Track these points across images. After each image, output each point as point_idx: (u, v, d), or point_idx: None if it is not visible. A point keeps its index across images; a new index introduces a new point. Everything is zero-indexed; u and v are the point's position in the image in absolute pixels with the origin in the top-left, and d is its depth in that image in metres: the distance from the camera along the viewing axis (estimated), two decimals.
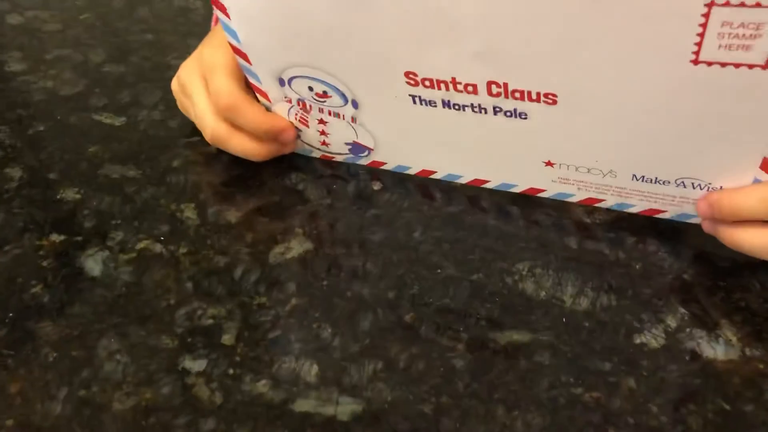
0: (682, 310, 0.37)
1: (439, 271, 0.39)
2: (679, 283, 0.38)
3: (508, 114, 0.38)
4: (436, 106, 0.40)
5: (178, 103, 0.50)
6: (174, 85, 0.48)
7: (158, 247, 0.41)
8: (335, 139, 0.46)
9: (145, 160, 0.48)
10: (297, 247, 0.41)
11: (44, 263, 0.40)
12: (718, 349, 0.35)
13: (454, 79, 0.37)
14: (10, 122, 0.52)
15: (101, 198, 0.45)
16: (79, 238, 0.42)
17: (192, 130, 0.49)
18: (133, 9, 0.67)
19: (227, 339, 0.36)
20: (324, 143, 0.46)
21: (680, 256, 0.40)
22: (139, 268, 0.40)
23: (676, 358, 0.34)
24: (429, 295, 0.38)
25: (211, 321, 0.37)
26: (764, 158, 0.35)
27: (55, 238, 0.42)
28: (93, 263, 0.40)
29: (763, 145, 0.34)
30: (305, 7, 0.37)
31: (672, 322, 0.36)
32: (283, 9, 0.38)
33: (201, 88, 0.45)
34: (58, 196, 0.45)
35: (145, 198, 0.45)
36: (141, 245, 0.41)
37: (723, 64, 0.31)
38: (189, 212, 0.44)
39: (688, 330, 0.36)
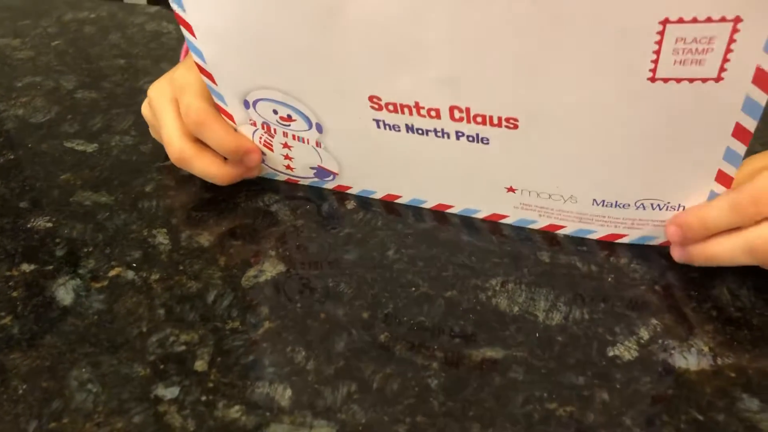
0: (655, 322, 0.37)
1: (413, 289, 0.39)
2: (651, 294, 0.38)
3: (471, 139, 0.38)
4: (399, 131, 0.40)
5: (150, 127, 0.49)
6: (144, 109, 0.48)
7: (130, 274, 0.41)
8: (300, 163, 0.46)
9: (117, 186, 0.48)
10: (270, 269, 0.41)
11: (14, 293, 0.40)
12: (690, 359, 0.35)
13: (417, 103, 0.38)
14: None
15: (73, 226, 0.44)
16: (50, 267, 0.41)
17: (165, 154, 0.49)
18: (105, 35, 0.67)
19: (200, 365, 0.36)
20: (288, 167, 0.46)
21: (652, 267, 0.40)
22: (111, 296, 0.39)
23: (650, 369, 0.34)
24: (403, 314, 0.38)
25: (183, 347, 0.36)
26: (719, 170, 0.36)
27: (26, 267, 0.42)
28: (64, 292, 0.40)
29: (717, 156, 0.35)
30: (270, 30, 0.37)
31: (645, 334, 0.36)
32: (248, 30, 0.38)
33: (170, 108, 0.44)
34: (29, 225, 0.45)
35: (117, 224, 0.44)
36: (113, 273, 0.41)
37: (678, 80, 0.32)
38: (161, 237, 0.43)
39: (660, 341, 0.36)
